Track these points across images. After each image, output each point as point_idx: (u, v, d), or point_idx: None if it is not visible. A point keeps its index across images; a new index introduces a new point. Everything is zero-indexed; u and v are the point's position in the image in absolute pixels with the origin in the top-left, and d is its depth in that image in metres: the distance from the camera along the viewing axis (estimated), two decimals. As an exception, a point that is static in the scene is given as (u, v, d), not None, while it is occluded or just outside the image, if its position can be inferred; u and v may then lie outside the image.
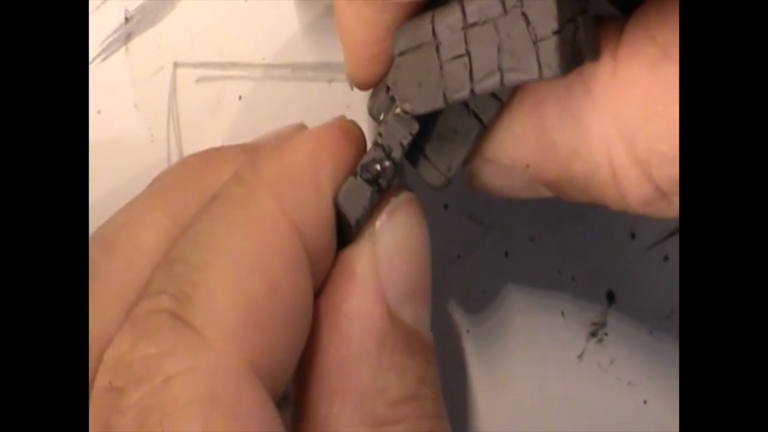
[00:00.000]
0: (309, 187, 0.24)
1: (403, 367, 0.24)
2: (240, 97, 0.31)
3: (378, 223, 0.25)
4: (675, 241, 0.31)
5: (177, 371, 0.21)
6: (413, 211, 0.26)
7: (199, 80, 0.31)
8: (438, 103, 0.24)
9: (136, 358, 0.21)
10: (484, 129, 0.25)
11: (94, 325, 0.23)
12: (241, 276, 0.22)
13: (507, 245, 0.31)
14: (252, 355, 0.22)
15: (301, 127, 0.28)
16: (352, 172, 0.25)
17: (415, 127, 0.25)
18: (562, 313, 0.32)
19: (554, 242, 0.31)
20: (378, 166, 0.25)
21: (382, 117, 0.26)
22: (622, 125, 0.23)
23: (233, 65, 0.31)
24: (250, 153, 0.26)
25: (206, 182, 0.25)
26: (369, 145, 0.26)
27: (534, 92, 0.24)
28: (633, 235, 0.31)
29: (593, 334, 0.32)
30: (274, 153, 0.25)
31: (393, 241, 0.25)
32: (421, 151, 0.26)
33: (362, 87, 0.27)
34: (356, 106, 0.31)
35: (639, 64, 0.23)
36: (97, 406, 0.21)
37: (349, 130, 0.26)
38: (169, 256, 0.23)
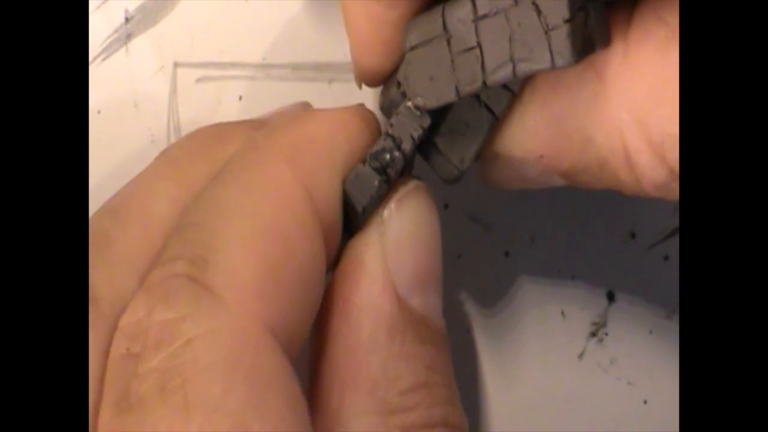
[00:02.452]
0: (324, 161, 0.24)
1: (414, 355, 0.24)
2: (240, 97, 0.31)
3: (386, 212, 0.25)
4: (675, 241, 0.31)
5: (197, 334, 0.21)
6: (422, 199, 0.25)
7: (199, 80, 0.31)
8: (450, 97, 0.24)
9: (153, 323, 0.21)
10: (497, 121, 0.25)
11: (107, 292, 0.22)
12: (257, 239, 0.22)
13: (507, 245, 0.31)
14: (269, 317, 0.22)
15: (306, 105, 0.28)
16: (362, 160, 0.25)
17: (427, 121, 0.25)
18: (563, 313, 0.32)
19: (554, 242, 0.31)
20: (387, 156, 0.25)
21: (393, 112, 0.26)
22: (635, 109, 0.23)
23: (233, 65, 0.31)
24: (258, 127, 0.26)
25: (215, 154, 0.25)
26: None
27: (545, 83, 0.24)
28: (633, 235, 0.31)
29: (593, 334, 0.32)
30: (290, 123, 0.25)
31: (401, 229, 0.25)
32: (434, 144, 0.26)
33: (371, 84, 0.27)
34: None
35: (650, 47, 0.23)
36: (114, 372, 0.21)
37: (368, 118, 0.26)
38: (184, 221, 0.23)
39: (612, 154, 0.24)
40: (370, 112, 0.26)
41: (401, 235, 0.25)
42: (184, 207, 0.24)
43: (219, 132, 0.26)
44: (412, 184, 0.26)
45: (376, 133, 0.26)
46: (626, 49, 0.23)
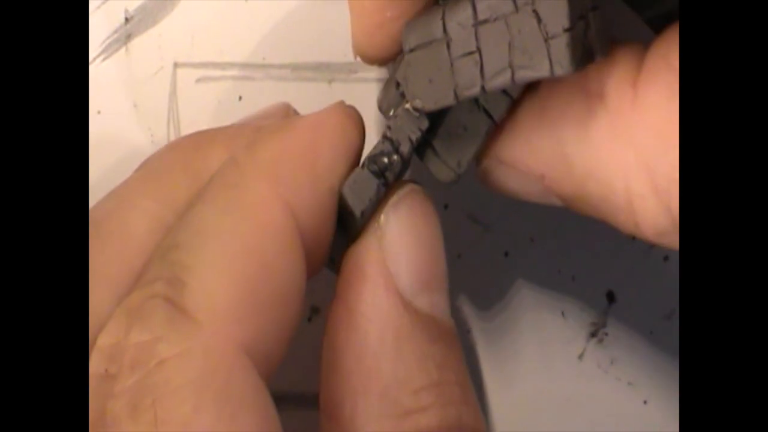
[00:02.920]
0: (306, 171, 0.24)
1: (424, 355, 0.24)
2: (240, 97, 0.31)
3: (383, 218, 0.25)
4: (675, 241, 0.31)
5: (169, 355, 0.21)
6: (417, 201, 0.25)
7: (199, 80, 0.31)
8: (448, 100, 0.24)
9: (130, 344, 0.21)
10: (495, 125, 0.25)
11: None
12: (234, 260, 0.22)
13: (507, 245, 0.31)
14: (245, 337, 0.22)
15: (286, 107, 0.28)
16: (360, 164, 0.25)
17: (425, 124, 0.25)
18: (563, 313, 0.32)
19: (554, 242, 0.31)
20: (385, 159, 0.25)
21: (391, 113, 0.26)
22: (642, 153, 0.23)
23: (233, 65, 0.31)
24: (238, 135, 0.26)
25: (195, 165, 0.25)
26: (367, 139, 0.26)
27: (555, 106, 0.24)
28: (633, 235, 0.31)
29: (593, 334, 0.32)
30: (271, 136, 0.25)
31: (399, 232, 0.25)
32: (431, 146, 0.26)
33: (366, 58, 0.26)
34: (357, 106, 0.31)
35: (659, 92, 0.23)
36: (92, 393, 0.21)
37: (349, 115, 0.25)
38: (165, 242, 0.23)
39: (613, 193, 0.24)
40: (352, 108, 0.26)
41: (400, 238, 0.25)
42: (165, 225, 0.24)
43: (199, 142, 0.26)
44: (407, 188, 0.26)
45: (360, 127, 0.26)
46: (635, 93, 0.23)
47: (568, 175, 0.24)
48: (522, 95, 0.25)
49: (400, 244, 0.25)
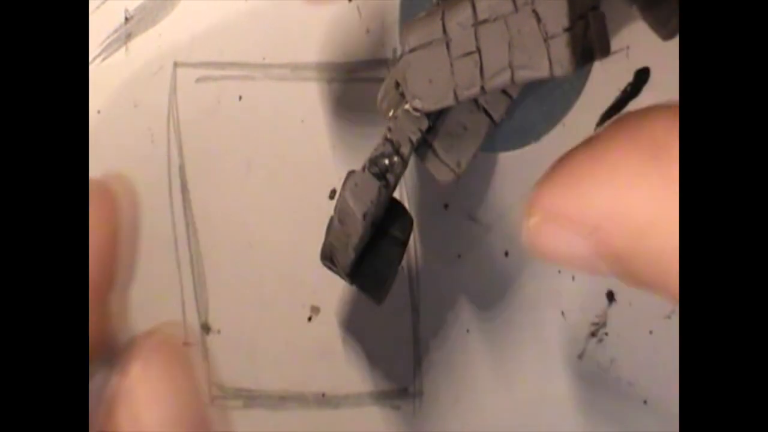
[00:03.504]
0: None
1: None
2: (240, 97, 0.31)
3: (124, 383, 0.23)
4: (675, 241, 0.31)
5: None
6: (157, 357, 0.24)
7: (199, 80, 0.31)
8: (448, 100, 0.24)
9: None
10: (495, 125, 0.25)
11: None
12: None
13: (507, 245, 0.32)
14: None
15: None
16: (361, 166, 0.25)
17: (425, 124, 0.25)
18: (562, 313, 0.32)
19: (554, 242, 0.31)
20: (386, 161, 0.25)
21: (391, 113, 0.26)
22: None
23: (233, 65, 0.31)
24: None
25: None
26: (367, 140, 0.26)
27: (608, 159, 0.24)
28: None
29: (593, 334, 0.32)
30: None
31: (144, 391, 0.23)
32: (431, 147, 0.26)
33: None
34: (357, 106, 0.31)
35: None
36: None
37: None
38: None
39: (667, 250, 0.23)
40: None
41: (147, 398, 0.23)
42: None
43: None
44: (153, 341, 0.24)
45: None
46: None
47: (623, 227, 0.24)
48: (573, 148, 0.25)
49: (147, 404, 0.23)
